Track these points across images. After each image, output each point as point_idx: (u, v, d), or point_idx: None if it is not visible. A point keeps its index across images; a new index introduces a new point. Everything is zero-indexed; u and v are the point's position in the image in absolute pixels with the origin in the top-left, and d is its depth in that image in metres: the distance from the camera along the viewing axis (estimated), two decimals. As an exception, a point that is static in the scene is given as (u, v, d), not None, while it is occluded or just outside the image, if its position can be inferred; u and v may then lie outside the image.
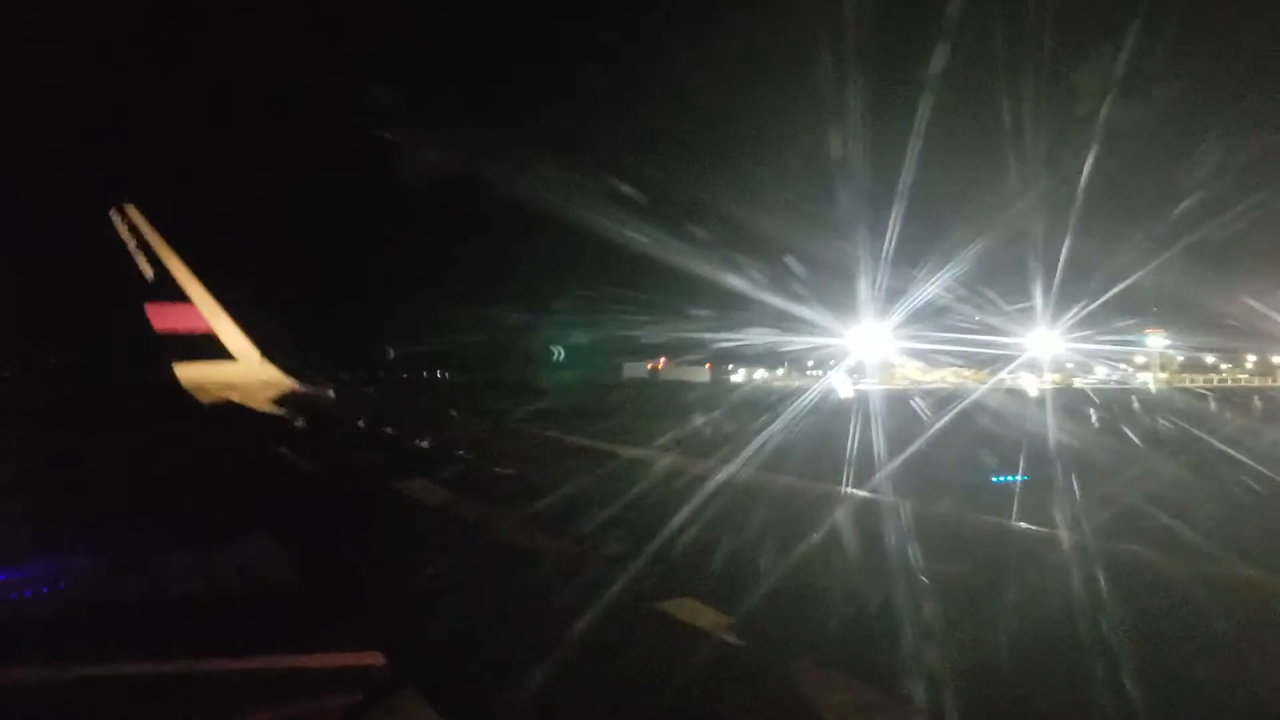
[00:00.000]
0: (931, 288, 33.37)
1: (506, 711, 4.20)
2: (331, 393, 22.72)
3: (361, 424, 15.28)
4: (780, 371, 69.69)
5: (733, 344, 52.74)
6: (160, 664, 5.28)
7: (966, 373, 63.97)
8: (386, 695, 4.74)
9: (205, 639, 5.71)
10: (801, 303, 34.66)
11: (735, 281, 34.48)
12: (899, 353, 51.95)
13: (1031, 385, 45.95)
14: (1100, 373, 66.85)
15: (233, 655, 5.43)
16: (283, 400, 17.93)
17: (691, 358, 64.35)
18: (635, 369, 67.43)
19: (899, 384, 58.10)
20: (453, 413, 17.12)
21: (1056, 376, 60.68)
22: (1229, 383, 67.57)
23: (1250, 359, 73.61)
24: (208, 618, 6.22)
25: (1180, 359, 72.19)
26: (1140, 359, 70.89)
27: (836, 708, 3.51)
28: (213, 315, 18.94)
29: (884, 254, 31.03)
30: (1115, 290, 37.82)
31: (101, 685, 5.07)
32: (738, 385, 61.55)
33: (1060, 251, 32.94)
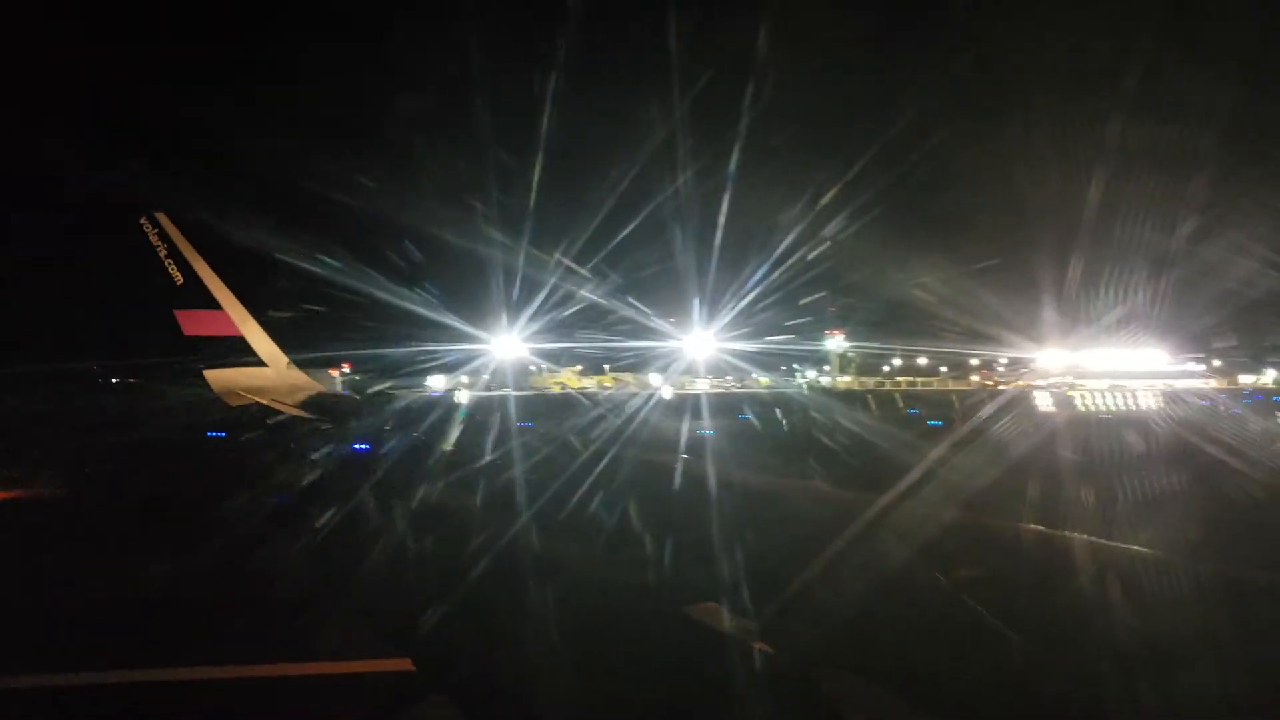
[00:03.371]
0: (565, 291, 32.73)
1: (535, 717, 4.24)
2: (357, 395, 23.03)
3: (388, 427, 15.46)
4: (431, 379, 67.53)
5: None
6: (188, 670, 5.36)
7: (628, 377, 63.65)
8: (416, 702, 4.80)
9: (234, 644, 5.78)
10: (432, 308, 32.72)
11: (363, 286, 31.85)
12: (543, 357, 52.00)
13: (667, 389, 46.61)
14: (809, 376, 68.44)
15: (263, 662, 5.49)
16: (309, 403, 18.26)
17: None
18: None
19: (542, 388, 57.61)
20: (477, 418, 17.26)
21: (765, 380, 60.85)
22: (905, 385, 66.63)
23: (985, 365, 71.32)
24: (236, 623, 6.30)
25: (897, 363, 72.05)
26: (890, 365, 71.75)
27: (857, 712, 3.51)
28: (242, 321, 19.28)
29: (520, 253, 30.35)
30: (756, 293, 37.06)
31: (123, 690, 5.15)
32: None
33: (713, 255, 33.41)
